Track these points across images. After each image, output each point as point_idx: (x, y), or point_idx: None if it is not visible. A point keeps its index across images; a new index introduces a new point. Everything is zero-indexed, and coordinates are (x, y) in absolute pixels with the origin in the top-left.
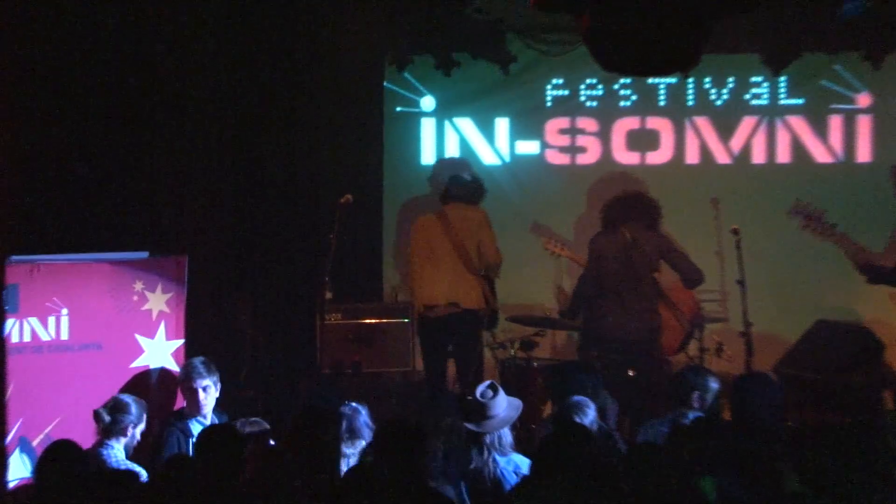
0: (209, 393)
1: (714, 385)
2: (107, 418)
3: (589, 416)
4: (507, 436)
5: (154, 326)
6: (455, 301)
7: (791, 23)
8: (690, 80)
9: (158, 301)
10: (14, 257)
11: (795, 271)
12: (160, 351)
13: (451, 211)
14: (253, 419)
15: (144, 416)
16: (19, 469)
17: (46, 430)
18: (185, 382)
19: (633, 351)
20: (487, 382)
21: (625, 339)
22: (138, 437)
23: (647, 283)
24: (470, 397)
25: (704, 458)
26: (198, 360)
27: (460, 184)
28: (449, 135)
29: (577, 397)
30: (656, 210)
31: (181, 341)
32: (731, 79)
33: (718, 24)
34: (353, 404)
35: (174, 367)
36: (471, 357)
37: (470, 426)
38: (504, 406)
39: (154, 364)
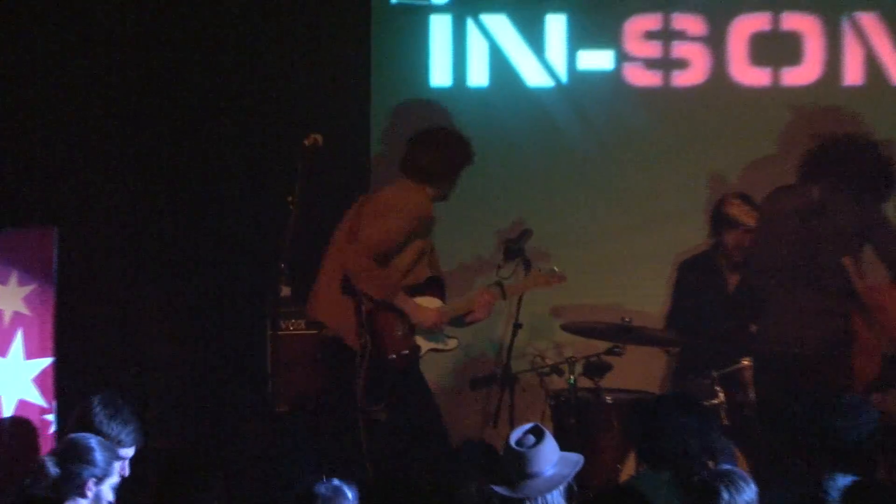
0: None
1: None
2: (53, 471)
3: (746, 495)
4: None
5: (5, 338)
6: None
7: None
8: None
9: (11, 298)
10: None
11: None
12: (14, 376)
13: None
14: None
15: (116, 466)
16: None
17: None
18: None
19: (800, 375)
20: (529, 425)
21: (787, 355)
22: (109, 498)
23: (834, 272)
24: (503, 446)
25: None
26: (98, 407)
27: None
28: (474, 41)
29: (726, 465)
30: (888, 171)
31: (48, 360)
32: None
33: None
34: (335, 483)
35: (39, 402)
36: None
37: (500, 490)
38: (553, 460)
39: (4, 395)
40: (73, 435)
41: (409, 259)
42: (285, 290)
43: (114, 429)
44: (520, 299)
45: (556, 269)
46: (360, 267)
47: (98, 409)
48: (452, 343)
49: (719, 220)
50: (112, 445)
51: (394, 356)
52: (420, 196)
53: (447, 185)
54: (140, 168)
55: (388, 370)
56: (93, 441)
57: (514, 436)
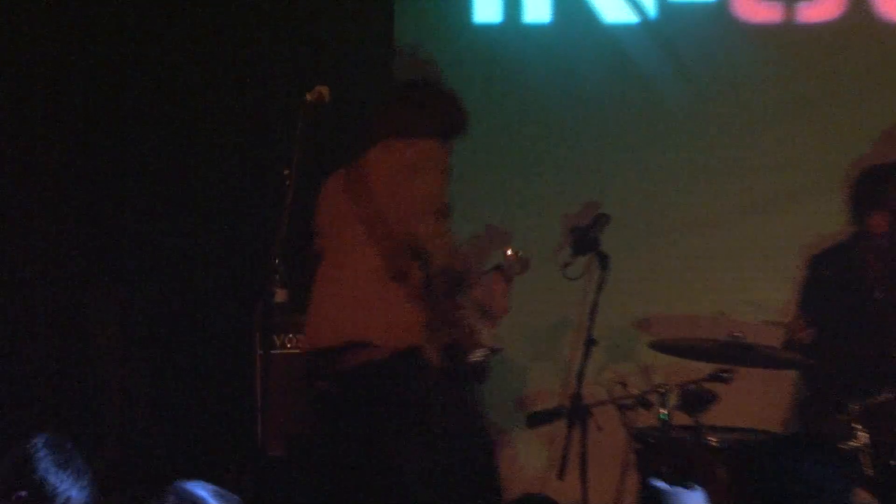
0: None
1: None
2: None
3: None
4: None
5: None
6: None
7: None
8: None
9: None
10: None
11: None
12: None
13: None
14: None
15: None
16: None
17: None
18: None
19: None
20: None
21: None
22: None
23: None
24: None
25: None
26: (42, 452)
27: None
28: None
29: None
30: None
31: None
32: None
33: None
34: None
35: None
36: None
37: None
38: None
39: None
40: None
41: None
42: (280, 294)
43: (63, 482)
44: (593, 308)
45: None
46: (432, 229)
47: (42, 454)
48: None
49: (864, 199)
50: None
51: (478, 358)
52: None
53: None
54: (92, 131)
55: (467, 381)
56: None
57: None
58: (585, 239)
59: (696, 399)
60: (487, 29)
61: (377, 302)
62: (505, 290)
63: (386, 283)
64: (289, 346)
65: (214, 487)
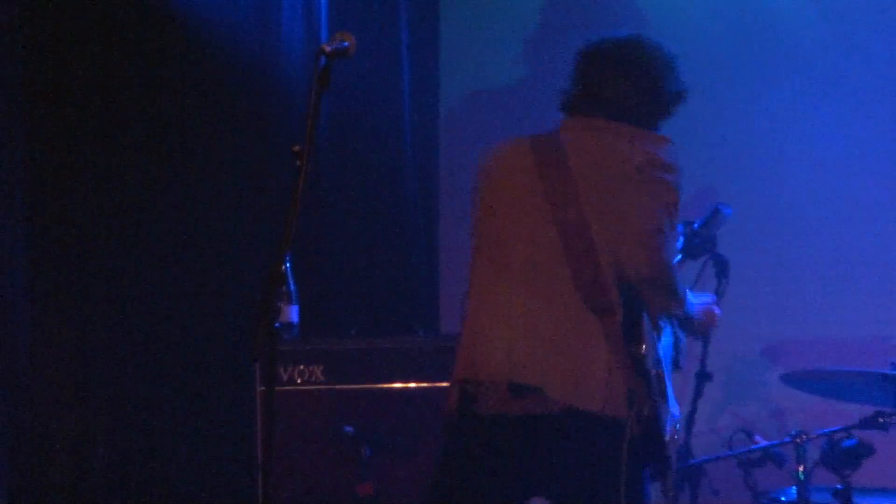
0: None
1: None
2: None
3: None
4: None
5: None
6: (527, 381)
7: None
8: None
9: None
10: None
11: None
12: None
13: (570, 135)
14: None
15: None
16: None
17: None
18: None
19: None
20: None
21: None
22: None
23: None
24: None
25: None
26: None
27: (606, 62)
28: None
29: None
30: None
31: None
32: None
33: None
34: None
35: None
36: None
37: None
38: None
39: None
40: None
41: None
42: (287, 312)
43: None
44: None
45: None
46: (662, 270)
47: None
48: None
49: None
50: None
51: (673, 438)
52: (673, 144)
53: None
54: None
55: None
56: None
57: None
58: (698, 238)
59: (844, 453)
60: None
61: (567, 339)
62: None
63: (582, 316)
64: (299, 380)
65: None
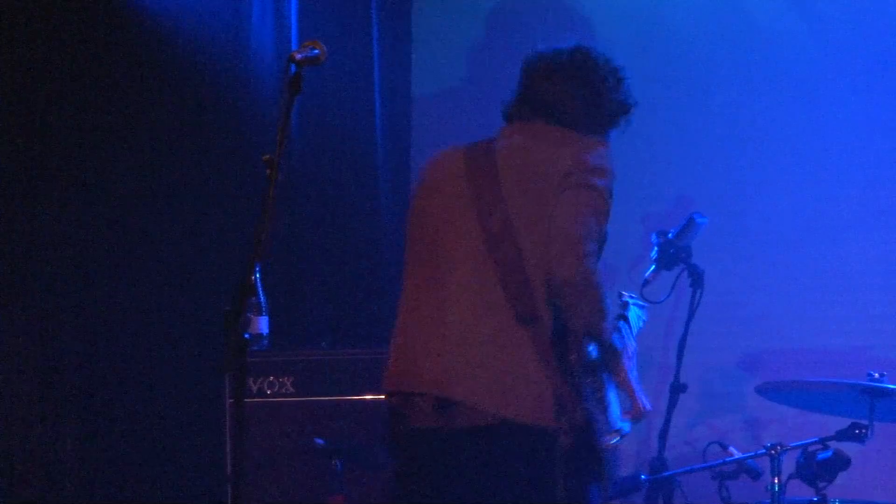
0: None
1: None
2: None
3: None
4: None
5: None
6: (455, 395)
7: None
8: None
9: None
10: None
11: None
12: None
13: (503, 142)
14: None
15: None
16: None
17: None
18: None
19: None
20: None
21: None
22: None
23: None
24: None
25: None
26: None
27: (548, 71)
28: None
29: None
30: None
31: None
32: None
33: None
34: None
35: None
36: None
37: None
38: None
39: None
40: None
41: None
42: (257, 323)
43: None
44: (682, 341)
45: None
46: (588, 278)
47: None
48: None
49: None
50: None
51: (612, 441)
52: (608, 148)
53: None
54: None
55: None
56: None
57: None
58: (673, 247)
59: (820, 465)
60: None
61: (496, 351)
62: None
63: (511, 326)
64: (269, 392)
65: None
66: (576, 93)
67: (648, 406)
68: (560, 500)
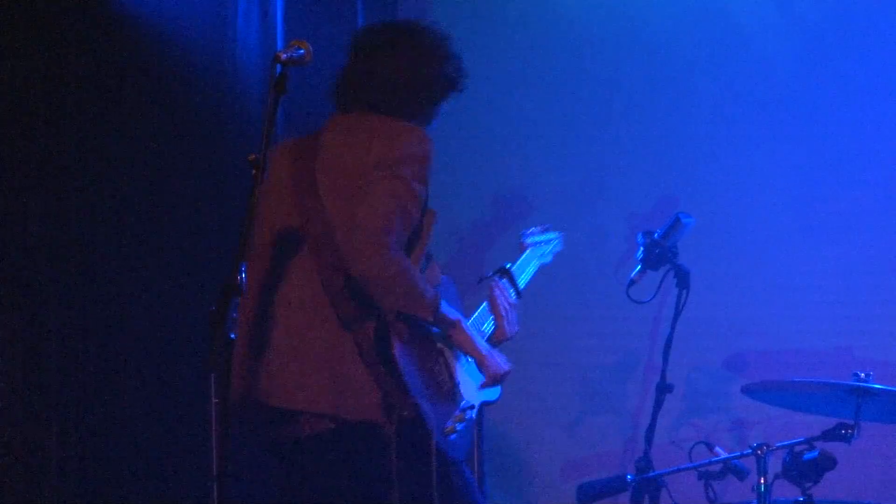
0: None
1: None
2: None
3: None
4: None
5: None
6: (290, 405)
7: None
8: None
9: None
10: None
11: None
12: None
13: (328, 136)
14: None
15: None
16: None
17: None
18: None
19: None
20: None
21: None
22: None
23: None
24: None
25: None
26: None
27: (368, 48)
28: None
29: None
30: None
31: None
32: None
33: None
34: None
35: None
36: None
37: None
38: None
39: None
40: None
41: (423, 245)
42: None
43: None
44: (668, 341)
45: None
46: (389, 267)
47: None
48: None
49: None
50: None
51: (450, 433)
52: (420, 132)
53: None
54: None
55: (432, 463)
56: None
57: None
58: (658, 248)
59: (806, 465)
60: None
61: (322, 355)
62: (508, 304)
63: (334, 328)
64: None
65: None
66: (394, 71)
67: (504, 367)
68: (394, 497)
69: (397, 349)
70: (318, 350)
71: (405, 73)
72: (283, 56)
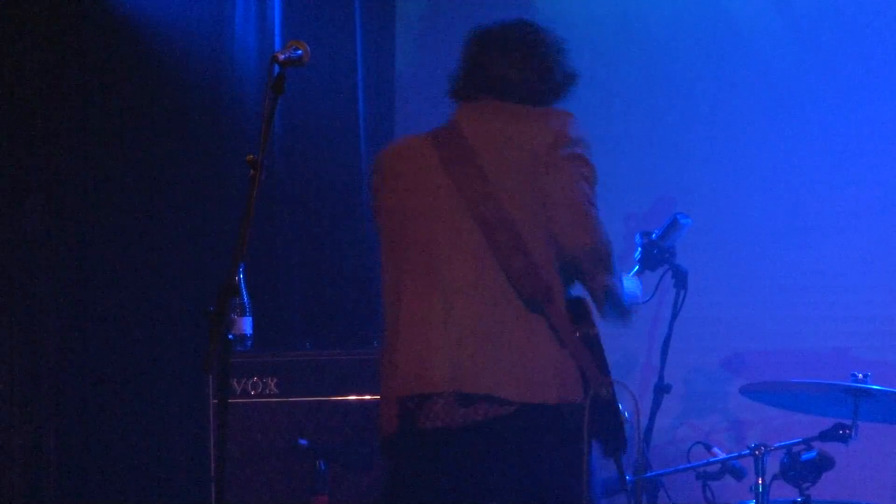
0: None
1: None
2: None
3: None
4: None
5: None
6: (476, 389)
7: None
8: None
9: None
10: None
11: None
12: None
13: (469, 126)
14: None
15: None
16: None
17: None
18: None
19: None
20: None
21: None
22: None
23: None
24: None
25: None
26: None
27: (493, 44)
28: None
29: None
30: None
31: None
32: None
33: None
34: None
35: None
36: None
37: None
38: None
39: None
40: None
41: None
42: (241, 324)
43: None
44: (666, 341)
45: None
46: (605, 238)
47: None
48: None
49: None
50: None
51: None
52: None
53: None
54: None
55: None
56: None
57: None
58: (656, 248)
59: (804, 465)
60: None
61: (510, 337)
62: None
63: (521, 310)
64: (253, 393)
65: None
66: (523, 68)
67: None
68: (585, 477)
69: (592, 323)
70: (500, 332)
71: (544, 67)
72: (281, 57)
